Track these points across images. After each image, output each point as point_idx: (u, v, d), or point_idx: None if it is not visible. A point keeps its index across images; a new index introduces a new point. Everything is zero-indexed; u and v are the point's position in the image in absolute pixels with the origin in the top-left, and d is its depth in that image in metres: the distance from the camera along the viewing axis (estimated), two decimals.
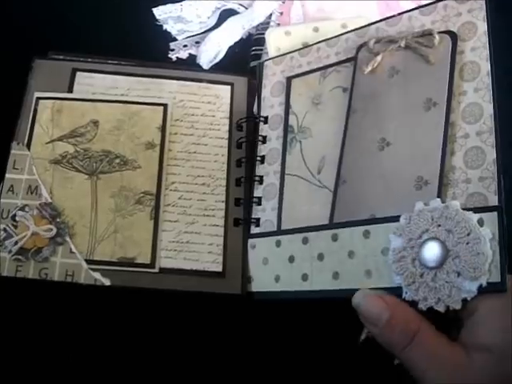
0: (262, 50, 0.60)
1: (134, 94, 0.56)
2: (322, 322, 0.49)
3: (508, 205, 0.39)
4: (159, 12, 0.63)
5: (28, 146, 0.53)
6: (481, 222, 0.38)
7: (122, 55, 0.58)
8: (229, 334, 0.50)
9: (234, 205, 0.54)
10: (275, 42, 0.58)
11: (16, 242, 0.49)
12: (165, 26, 0.64)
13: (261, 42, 0.61)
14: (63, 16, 0.63)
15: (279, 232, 0.51)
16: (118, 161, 0.53)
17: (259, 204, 0.53)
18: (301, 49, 0.55)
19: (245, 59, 0.61)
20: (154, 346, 0.49)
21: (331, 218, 0.47)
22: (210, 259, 0.51)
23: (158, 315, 0.50)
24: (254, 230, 0.53)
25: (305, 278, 0.47)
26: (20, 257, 0.49)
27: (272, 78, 0.57)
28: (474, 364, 0.37)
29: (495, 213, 0.38)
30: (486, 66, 0.42)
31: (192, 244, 0.52)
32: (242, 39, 0.63)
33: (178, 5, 0.64)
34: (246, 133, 0.56)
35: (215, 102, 0.57)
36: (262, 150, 0.55)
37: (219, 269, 0.51)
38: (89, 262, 0.50)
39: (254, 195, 0.54)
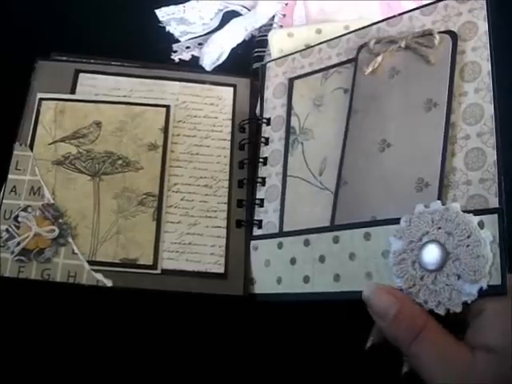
0: (264, 51, 0.60)
1: (136, 96, 0.56)
2: (324, 323, 0.49)
3: (509, 207, 0.38)
4: (162, 14, 0.63)
5: (31, 146, 0.53)
6: (481, 225, 0.38)
7: (125, 56, 0.58)
8: (231, 335, 0.50)
9: (236, 206, 0.54)
10: (278, 43, 0.58)
11: (18, 243, 0.49)
12: (167, 28, 0.64)
13: (263, 43, 0.61)
14: (66, 17, 0.63)
15: (281, 234, 0.50)
16: (120, 162, 0.53)
17: (261, 206, 0.53)
18: (303, 50, 0.55)
19: (247, 61, 0.61)
20: (157, 347, 0.49)
21: (332, 219, 0.47)
22: (212, 261, 0.51)
23: (160, 316, 0.50)
24: (256, 231, 0.53)
25: (306, 280, 0.47)
26: (22, 258, 0.49)
27: (274, 79, 0.57)
28: (478, 364, 0.37)
29: (496, 215, 0.38)
30: (486, 66, 0.42)
31: (194, 245, 0.52)
32: (244, 41, 0.63)
33: (180, 6, 0.64)
34: (248, 134, 0.56)
35: (218, 104, 0.57)
36: (265, 151, 0.55)
37: (221, 270, 0.51)
38: (91, 263, 0.50)
39: (257, 197, 0.54)
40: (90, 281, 0.49)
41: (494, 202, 0.38)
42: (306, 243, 0.48)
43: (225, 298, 0.50)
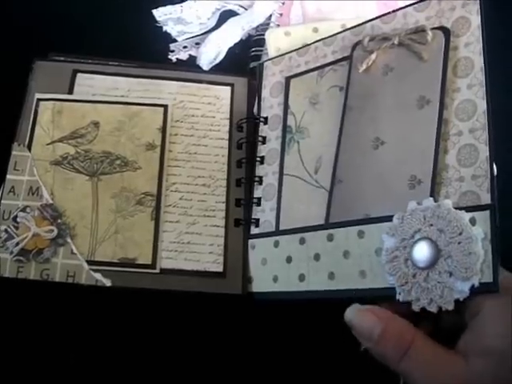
0: (261, 50, 0.60)
1: (134, 95, 0.57)
2: (322, 322, 0.49)
3: (501, 204, 0.38)
4: (159, 13, 0.63)
5: (29, 147, 0.53)
6: (473, 221, 0.38)
7: (123, 56, 0.58)
8: (230, 334, 0.50)
9: (234, 205, 0.54)
10: (275, 42, 0.58)
11: (17, 243, 0.49)
12: (165, 28, 0.64)
13: (261, 42, 0.60)
14: (64, 17, 0.63)
15: (277, 232, 0.50)
16: (118, 162, 0.54)
17: (259, 204, 0.53)
18: (299, 48, 0.55)
19: (245, 60, 0.61)
20: (156, 346, 0.49)
21: (327, 217, 0.47)
22: (211, 259, 0.51)
23: (159, 316, 0.50)
24: (253, 230, 0.53)
25: (302, 278, 0.47)
26: (21, 258, 0.49)
27: (271, 78, 0.57)
28: (474, 370, 0.36)
29: (487, 211, 0.37)
30: (479, 61, 0.42)
31: (193, 244, 0.52)
32: (241, 40, 0.63)
33: (177, 6, 0.64)
34: (246, 133, 0.56)
35: (215, 103, 0.57)
36: (262, 150, 0.55)
37: (220, 269, 0.51)
38: (90, 262, 0.50)
39: (254, 196, 0.54)
40: (88, 280, 0.49)
41: (486, 199, 0.38)
42: (302, 241, 0.48)
43: (224, 296, 0.50)
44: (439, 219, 0.38)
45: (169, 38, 0.64)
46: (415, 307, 0.39)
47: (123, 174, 0.53)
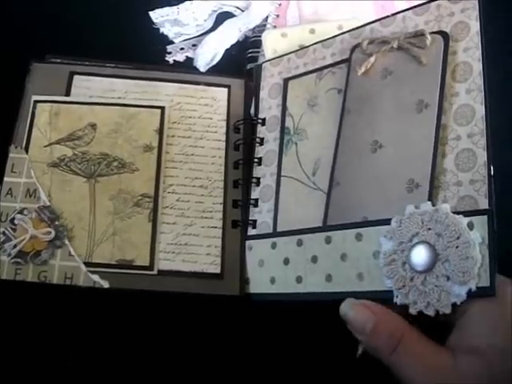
0: (258, 52, 0.60)
1: (131, 97, 0.57)
2: (319, 324, 0.49)
3: (499, 208, 0.38)
4: (156, 15, 0.63)
5: (26, 149, 0.53)
6: (471, 226, 0.38)
7: (120, 58, 0.58)
8: (227, 335, 0.50)
9: (231, 207, 0.54)
10: (272, 44, 0.58)
11: (15, 246, 0.49)
12: (162, 29, 0.64)
13: (257, 44, 0.60)
14: (61, 19, 0.63)
15: (275, 234, 0.51)
16: (115, 164, 0.54)
17: (256, 206, 0.53)
18: (298, 50, 0.55)
19: (241, 61, 0.61)
20: (153, 347, 0.49)
21: (325, 220, 0.47)
22: (209, 261, 0.52)
23: (156, 317, 0.50)
24: (250, 231, 0.53)
25: (299, 280, 0.47)
26: (19, 260, 0.49)
27: (270, 79, 0.57)
28: (461, 368, 0.37)
29: (485, 216, 0.38)
30: (478, 67, 0.42)
31: (190, 246, 0.52)
32: (238, 42, 0.63)
33: (174, 8, 0.64)
34: (243, 135, 0.56)
35: (212, 105, 0.57)
36: (260, 151, 0.55)
37: (217, 270, 0.51)
38: (87, 264, 0.50)
39: (251, 197, 0.54)
40: (86, 282, 0.49)
41: (483, 204, 0.38)
42: (299, 243, 0.48)
43: (221, 297, 0.50)
44: (437, 223, 0.39)
45: (166, 40, 0.64)
46: (412, 310, 0.39)
47: (120, 175, 0.53)
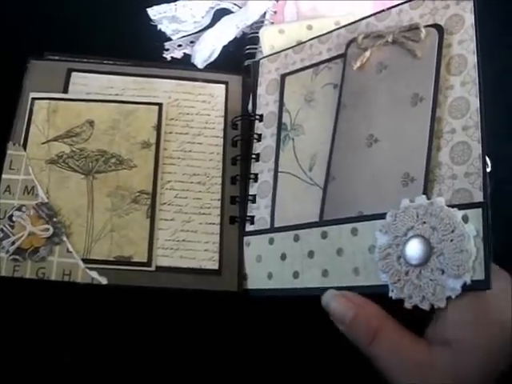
0: (256, 48, 0.60)
1: (129, 94, 0.57)
2: (316, 319, 0.49)
3: (495, 201, 0.38)
4: (154, 12, 0.63)
5: (24, 146, 0.53)
6: (465, 219, 0.38)
7: (117, 55, 0.58)
8: (226, 331, 0.50)
9: (229, 203, 0.54)
10: (269, 40, 0.58)
11: (13, 242, 0.49)
12: (159, 26, 0.64)
13: (255, 40, 0.60)
14: (58, 16, 0.63)
15: (272, 229, 0.51)
16: (113, 160, 0.54)
17: (254, 202, 0.53)
18: (295, 46, 0.55)
19: (239, 58, 0.61)
20: (151, 343, 0.49)
21: (321, 215, 0.47)
22: (207, 257, 0.52)
23: (154, 313, 0.50)
24: (248, 227, 0.53)
25: (296, 275, 0.47)
26: (17, 257, 0.49)
27: (267, 75, 0.57)
28: (434, 359, 0.38)
29: (480, 209, 0.38)
30: (472, 59, 0.42)
31: (188, 242, 0.52)
32: (236, 38, 0.63)
33: (172, 5, 0.64)
34: (240, 131, 0.56)
35: (210, 101, 0.57)
36: (257, 147, 0.55)
37: (215, 266, 0.51)
38: (86, 261, 0.50)
39: (249, 193, 0.54)
40: (84, 279, 0.49)
41: (478, 196, 0.38)
42: (296, 239, 0.48)
43: (219, 293, 0.50)
44: (432, 217, 0.39)
45: (163, 37, 0.64)
46: (407, 304, 0.39)
47: (118, 172, 0.53)
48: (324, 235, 0.46)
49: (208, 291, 0.50)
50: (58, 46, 0.58)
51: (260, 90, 0.57)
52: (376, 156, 0.45)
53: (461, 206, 0.38)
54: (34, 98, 0.55)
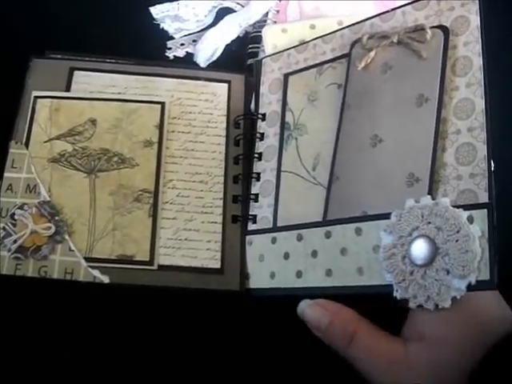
0: (258, 47, 0.60)
1: (131, 93, 0.57)
2: None
3: (499, 202, 0.38)
4: (156, 11, 0.63)
5: (26, 144, 0.53)
6: (470, 219, 0.38)
7: (120, 54, 0.58)
8: (228, 330, 0.50)
9: (231, 202, 0.54)
10: (272, 39, 0.58)
11: (15, 241, 0.49)
12: (162, 25, 0.64)
13: (257, 39, 0.60)
14: (61, 15, 0.63)
15: (275, 229, 0.51)
16: (116, 159, 0.54)
17: (256, 201, 0.53)
18: (298, 45, 0.55)
19: (242, 57, 0.61)
20: (153, 342, 0.49)
21: (325, 214, 0.47)
22: (209, 256, 0.52)
23: (156, 312, 0.50)
24: (251, 226, 0.53)
25: (299, 274, 0.47)
26: (19, 255, 0.49)
27: (270, 74, 0.57)
28: (410, 355, 0.39)
29: (485, 210, 0.38)
30: (478, 61, 0.42)
31: (190, 241, 0.52)
32: (238, 37, 0.63)
33: (175, 4, 0.64)
34: (243, 130, 0.56)
35: (212, 100, 0.57)
36: (260, 146, 0.55)
37: (218, 265, 0.51)
38: (88, 259, 0.50)
39: (252, 192, 0.54)
40: (86, 277, 0.49)
41: (483, 197, 0.38)
42: (299, 238, 0.48)
43: (221, 293, 0.50)
44: (437, 217, 0.39)
45: (166, 36, 0.64)
46: (412, 304, 0.39)
47: (120, 171, 0.53)
48: (328, 235, 0.46)
49: (210, 290, 0.50)
50: (60, 44, 0.58)
51: (263, 89, 0.57)
52: (380, 156, 0.45)
53: (466, 207, 0.38)
54: (36, 97, 0.55)
